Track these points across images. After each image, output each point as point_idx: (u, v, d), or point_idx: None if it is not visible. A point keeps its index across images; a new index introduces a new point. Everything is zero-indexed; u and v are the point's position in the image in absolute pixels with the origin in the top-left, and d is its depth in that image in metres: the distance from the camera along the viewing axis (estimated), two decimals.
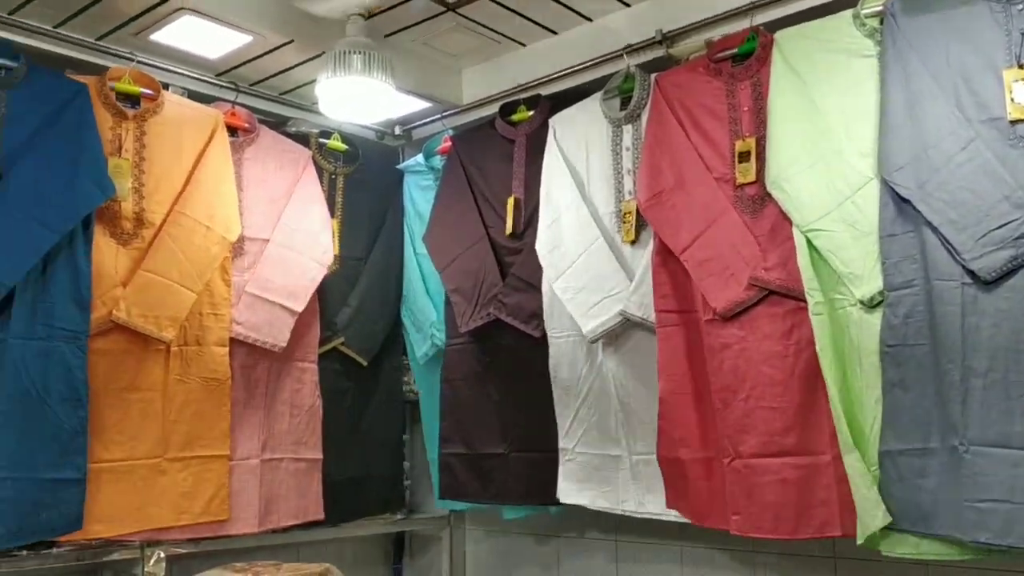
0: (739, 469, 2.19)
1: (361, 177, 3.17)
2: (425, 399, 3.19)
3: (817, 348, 2.05)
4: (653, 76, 2.57)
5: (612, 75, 2.69)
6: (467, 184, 2.96)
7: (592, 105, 2.69)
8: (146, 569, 2.53)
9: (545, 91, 2.91)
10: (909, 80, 1.99)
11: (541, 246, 2.65)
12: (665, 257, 2.36)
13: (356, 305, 3.05)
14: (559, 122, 2.76)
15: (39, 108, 2.38)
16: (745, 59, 2.36)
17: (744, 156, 2.26)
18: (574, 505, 2.64)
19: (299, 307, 2.83)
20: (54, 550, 2.35)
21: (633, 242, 2.51)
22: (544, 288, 2.65)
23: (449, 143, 3.11)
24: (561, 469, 2.62)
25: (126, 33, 2.61)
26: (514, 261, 2.77)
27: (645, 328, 2.43)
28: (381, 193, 3.23)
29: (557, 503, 2.69)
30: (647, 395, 2.44)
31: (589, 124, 2.68)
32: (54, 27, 2.53)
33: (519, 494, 2.79)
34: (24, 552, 2.30)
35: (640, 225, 2.49)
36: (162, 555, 2.57)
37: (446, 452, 2.93)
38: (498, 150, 2.93)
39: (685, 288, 2.32)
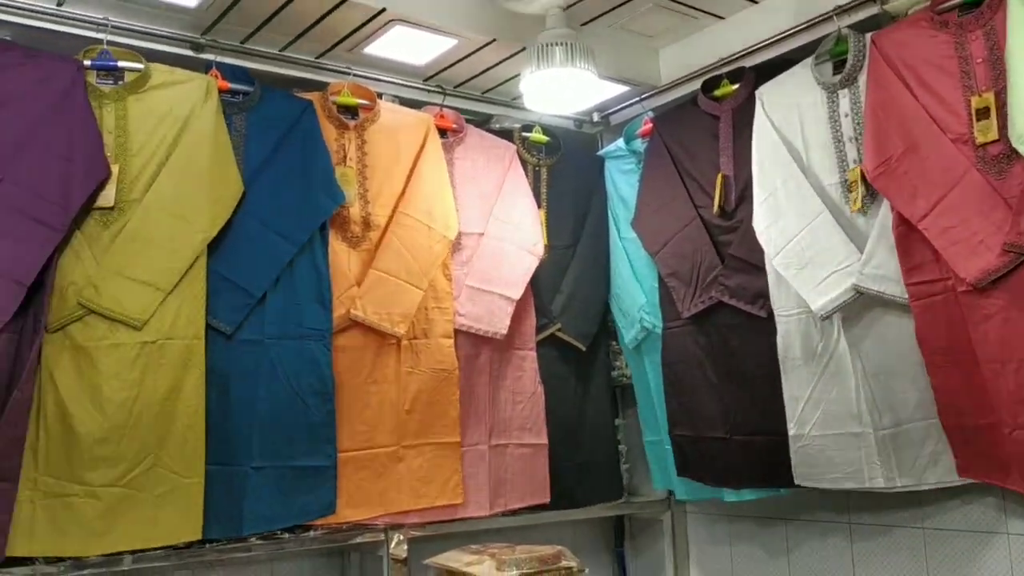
0: (1020, 440, 2.06)
1: (563, 167, 3.22)
2: (637, 383, 3.19)
3: None
4: (868, 36, 2.44)
5: (822, 39, 2.57)
6: (672, 165, 2.93)
7: (802, 72, 2.59)
8: (390, 550, 2.70)
9: (748, 63, 2.84)
10: None
11: (758, 222, 2.58)
12: (909, 227, 2.23)
13: (569, 292, 3.10)
14: (767, 93, 2.68)
15: (273, 127, 2.59)
16: (974, 7, 2.19)
17: (982, 113, 2.10)
18: (802, 488, 2.56)
19: (516, 295, 2.92)
20: (311, 533, 2.55)
21: (862, 212, 2.39)
22: (768, 266, 2.58)
23: (650, 125, 3.09)
24: (794, 454, 2.54)
25: (342, 49, 2.77)
26: (729, 240, 2.72)
27: (883, 300, 2.32)
28: (584, 181, 3.26)
29: (784, 486, 2.62)
30: (893, 368, 2.34)
31: (800, 92, 2.58)
32: (279, 51, 2.73)
33: (743, 478, 2.74)
34: (285, 535, 2.51)
35: (868, 194, 2.37)
36: (402, 537, 2.73)
37: (676, 433, 2.92)
38: (702, 127, 2.88)
39: (935, 256, 2.19)
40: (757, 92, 2.71)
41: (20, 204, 2.12)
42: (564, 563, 2.51)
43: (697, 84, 2.96)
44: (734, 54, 2.86)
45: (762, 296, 2.62)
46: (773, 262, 2.55)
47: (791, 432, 2.55)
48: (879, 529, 2.71)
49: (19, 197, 2.13)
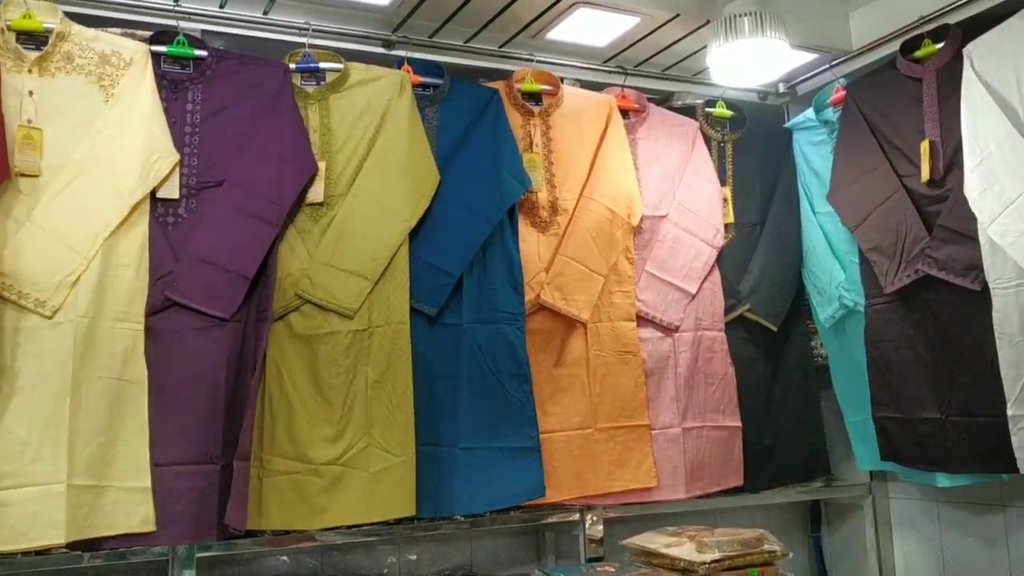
0: None
1: (749, 141, 3.13)
2: (835, 362, 3.07)
3: None
4: None
5: None
6: (870, 133, 2.78)
7: (1019, 25, 2.39)
8: (587, 530, 2.73)
9: (953, 19, 2.65)
10: None
11: (970, 189, 2.41)
12: None
13: (758, 271, 3.02)
14: (977, 50, 2.49)
15: (462, 116, 2.65)
16: None
17: None
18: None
19: (693, 289, 2.89)
20: (512, 512, 2.61)
21: None
22: (982, 236, 2.41)
23: (842, 93, 2.95)
24: (1014, 436, 2.37)
25: (525, 36, 2.80)
26: (937, 210, 2.56)
27: None
28: (770, 155, 3.15)
29: (1006, 471, 2.45)
30: None
31: (1016, 47, 2.38)
32: (465, 42, 2.80)
33: (960, 462, 2.57)
34: (489, 514, 2.58)
35: None
36: (597, 518, 2.75)
37: (879, 415, 2.79)
38: (903, 92, 2.71)
39: None
40: (965, 50, 2.52)
41: (240, 202, 2.28)
42: (767, 546, 2.46)
43: (892, 47, 2.80)
44: (936, 11, 2.67)
45: (975, 268, 2.45)
46: (988, 231, 2.38)
47: (1009, 413, 2.38)
48: None
49: (239, 196, 2.29)
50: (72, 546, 2.03)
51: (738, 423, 2.93)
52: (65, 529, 1.98)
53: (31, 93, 2.14)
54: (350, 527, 2.36)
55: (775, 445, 3.01)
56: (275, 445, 2.30)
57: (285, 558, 2.63)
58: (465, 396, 2.49)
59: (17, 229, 2.07)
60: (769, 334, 3.03)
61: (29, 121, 2.13)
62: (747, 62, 2.60)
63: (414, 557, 2.80)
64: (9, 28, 2.15)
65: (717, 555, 2.36)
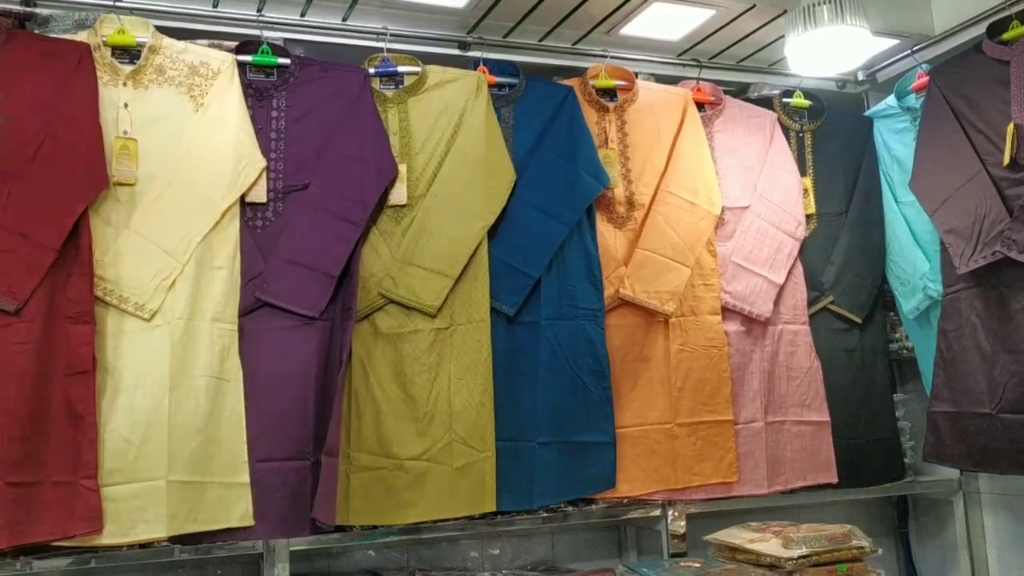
0: None
1: (828, 130, 3.08)
2: (921, 354, 3.00)
3: None
4: None
5: None
6: (954, 118, 2.70)
7: None
8: (669, 526, 2.73)
9: None
10: None
11: None
12: None
13: (841, 262, 2.97)
14: None
15: (538, 115, 2.67)
16: None
17: None
18: None
19: (779, 279, 2.85)
20: (593, 506, 2.63)
21: None
22: None
23: (925, 79, 2.88)
24: None
25: (599, 33, 2.81)
26: (1019, 194, 2.47)
27: None
28: (851, 144, 3.09)
29: None
30: None
31: None
32: (539, 41, 2.82)
33: (1008, 462, 2.47)
34: (569, 508, 2.60)
35: None
36: (678, 513, 2.74)
37: (934, 410, 2.72)
38: (989, 75, 2.63)
39: None
40: None
41: (326, 204, 2.35)
42: (855, 542, 2.41)
43: (977, 30, 2.73)
44: None
45: None
46: None
47: None
48: None
49: (324, 198, 2.35)
50: (173, 540, 2.12)
51: (826, 417, 2.88)
52: (167, 523, 2.07)
53: (126, 105, 2.24)
54: (435, 522, 2.41)
55: (864, 440, 2.95)
56: (361, 442, 2.35)
57: (372, 552, 2.69)
58: (544, 392, 2.51)
59: (116, 236, 2.17)
60: (854, 326, 2.98)
61: (125, 132, 2.22)
62: (827, 51, 2.56)
63: (496, 551, 2.83)
64: (105, 44, 2.25)
65: (804, 551, 2.33)
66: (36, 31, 2.26)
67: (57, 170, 2.10)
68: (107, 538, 2.04)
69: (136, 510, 2.05)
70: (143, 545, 2.13)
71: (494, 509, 2.42)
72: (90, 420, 2.04)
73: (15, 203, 2.06)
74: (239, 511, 2.18)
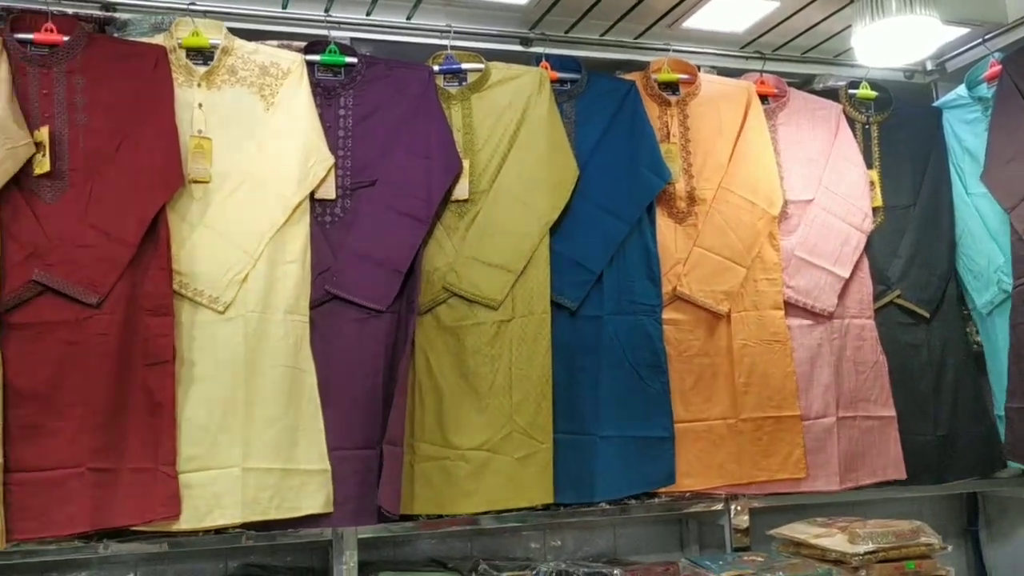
0: None
1: (896, 122, 3.03)
2: (990, 351, 2.93)
3: None
4: None
5: None
6: None
7: None
8: (732, 520, 2.72)
9: None
10: None
11: None
12: None
13: (908, 256, 2.92)
14: None
15: (600, 110, 2.68)
16: None
17: None
18: None
19: (845, 273, 2.82)
20: (655, 500, 2.63)
21: None
22: None
23: (998, 68, 2.81)
24: None
25: (661, 27, 2.81)
26: None
27: None
28: (919, 135, 3.04)
29: None
30: None
31: None
32: (600, 36, 2.82)
33: None
34: (632, 501, 2.61)
35: None
36: (741, 508, 2.74)
37: (1011, 406, 2.66)
38: None
39: None
40: None
41: (392, 201, 2.39)
42: (924, 539, 2.39)
43: None
44: None
45: None
46: None
47: None
48: None
49: (391, 195, 2.40)
50: (245, 526, 2.19)
51: (892, 412, 2.84)
52: (243, 510, 2.14)
53: (200, 105, 2.31)
54: (499, 512, 2.44)
55: (948, 436, 2.90)
56: (424, 432, 2.40)
57: (435, 541, 2.74)
58: (604, 386, 2.53)
59: (191, 232, 2.24)
60: (924, 321, 2.93)
61: (199, 131, 2.30)
62: (895, 41, 2.51)
63: (558, 543, 2.86)
64: (180, 46, 2.32)
65: (871, 547, 2.32)
66: (115, 35, 2.35)
67: (136, 169, 2.18)
68: (184, 523, 2.11)
69: (213, 496, 2.13)
70: (217, 531, 2.20)
71: (552, 500, 2.44)
72: (169, 408, 2.12)
73: (96, 201, 2.15)
74: (321, 498, 2.24)
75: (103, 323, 2.10)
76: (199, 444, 2.14)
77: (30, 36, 2.19)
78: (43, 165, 2.12)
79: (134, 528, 2.12)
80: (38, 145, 2.12)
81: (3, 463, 1.99)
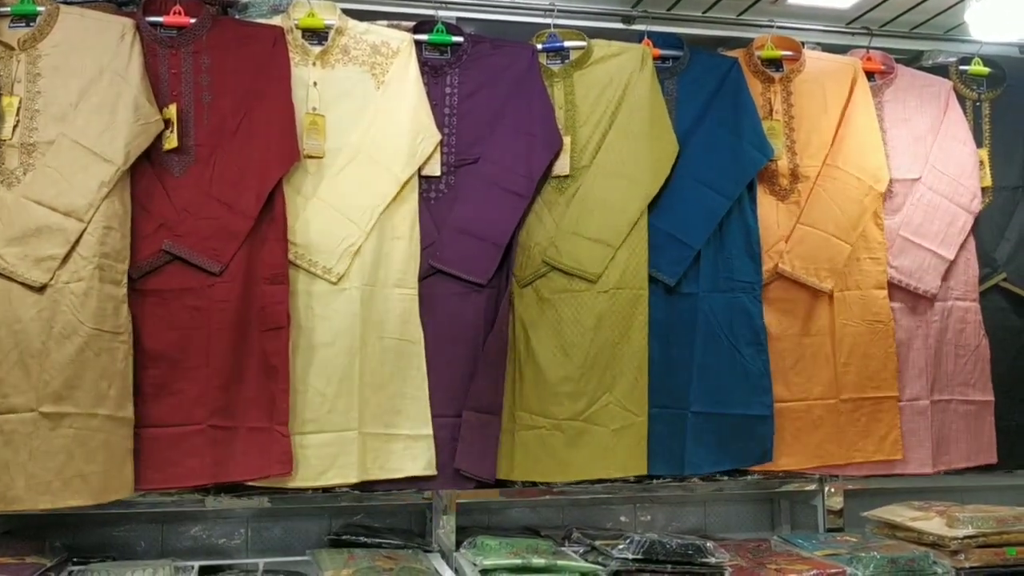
0: None
1: (1009, 100, 2.93)
2: None
3: None
4: None
5: None
6: None
7: None
8: (826, 501, 2.72)
9: None
10: None
11: None
12: None
13: (1017, 238, 2.85)
14: None
15: (702, 87, 2.68)
16: None
17: None
18: None
19: (950, 255, 2.77)
20: (748, 478, 2.65)
21: None
22: None
23: None
24: None
25: (765, 3, 2.77)
26: None
27: None
28: None
29: None
30: None
31: None
32: (703, 13, 2.82)
33: None
34: (724, 477, 2.64)
35: None
36: (834, 489, 2.73)
37: None
38: None
39: None
40: None
41: (495, 177, 2.46)
42: None
43: None
44: None
45: None
46: None
47: None
48: None
49: (493, 172, 2.46)
50: (356, 486, 2.31)
51: (990, 397, 2.79)
52: (357, 471, 2.26)
53: (315, 84, 2.41)
54: (592, 482, 2.50)
55: None
56: (523, 401, 2.47)
57: (528, 510, 2.81)
58: (699, 362, 2.55)
59: (306, 204, 2.35)
60: None
61: (314, 109, 2.40)
62: (1011, 15, 2.45)
63: (648, 518, 2.90)
64: (297, 27, 2.42)
65: (970, 531, 2.30)
66: (236, 16, 2.46)
67: (254, 144, 2.30)
68: (298, 481, 2.25)
69: (329, 457, 2.25)
70: (325, 490, 2.33)
71: (644, 472, 2.48)
72: (284, 372, 2.24)
73: (219, 174, 2.28)
74: (424, 461, 2.35)
75: (224, 290, 2.23)
76: (317, 408, 2.27)
77: (160, 19, 2.33)
78: (171, 141, 2.26)
79: (248, 483, 2.26)
80: (167, 122, 2.26)
81: (134, 418, 2.15)
